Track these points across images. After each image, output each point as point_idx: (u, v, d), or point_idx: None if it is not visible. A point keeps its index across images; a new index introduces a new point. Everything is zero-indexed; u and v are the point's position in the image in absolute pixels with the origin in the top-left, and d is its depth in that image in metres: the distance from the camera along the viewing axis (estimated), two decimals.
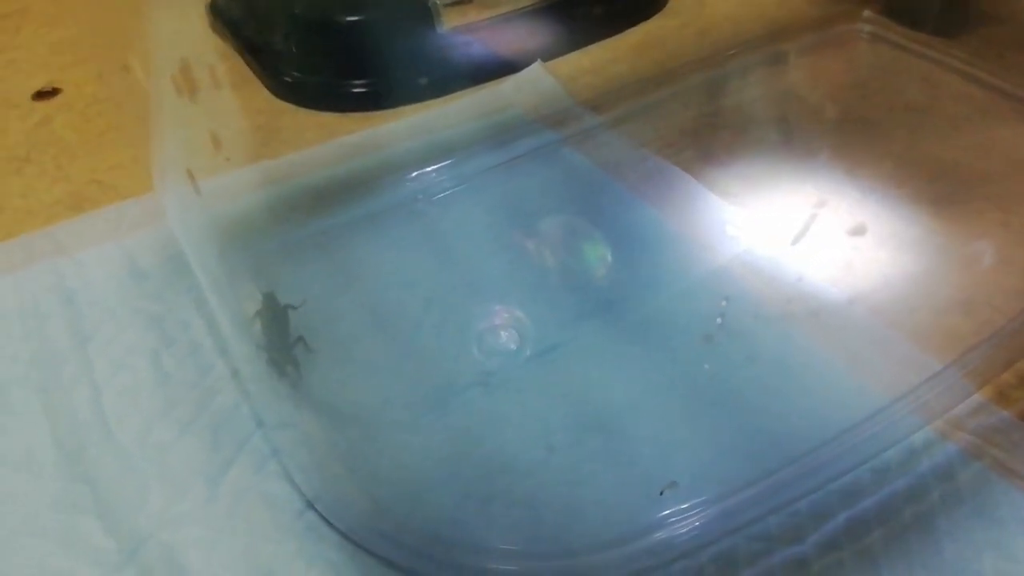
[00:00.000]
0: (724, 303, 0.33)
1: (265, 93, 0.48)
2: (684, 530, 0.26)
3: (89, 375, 0.32)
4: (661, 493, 0.27)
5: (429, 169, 0.41)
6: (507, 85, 0.48)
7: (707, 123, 0.45)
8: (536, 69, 0.49)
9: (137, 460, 0.29)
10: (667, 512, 0.27)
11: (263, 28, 0.50)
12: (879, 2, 0.53)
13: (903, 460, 0.28)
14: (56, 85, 0.52)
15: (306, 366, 0.31)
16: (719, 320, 0.33)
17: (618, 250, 0.37)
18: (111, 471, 0.29)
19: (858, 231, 0.37)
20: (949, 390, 0.30)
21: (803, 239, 0.37)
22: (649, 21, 0.55)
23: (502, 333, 0.33)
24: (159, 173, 0.36)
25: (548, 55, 0.50)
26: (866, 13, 0.51)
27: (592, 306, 0.34)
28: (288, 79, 0.48)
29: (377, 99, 0.47)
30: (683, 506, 0.27)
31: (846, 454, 0.28)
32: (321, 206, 0.39)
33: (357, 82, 0.48)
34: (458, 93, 0.48)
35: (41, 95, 0.51)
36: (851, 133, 0.44)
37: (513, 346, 0.32)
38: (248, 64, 0.50)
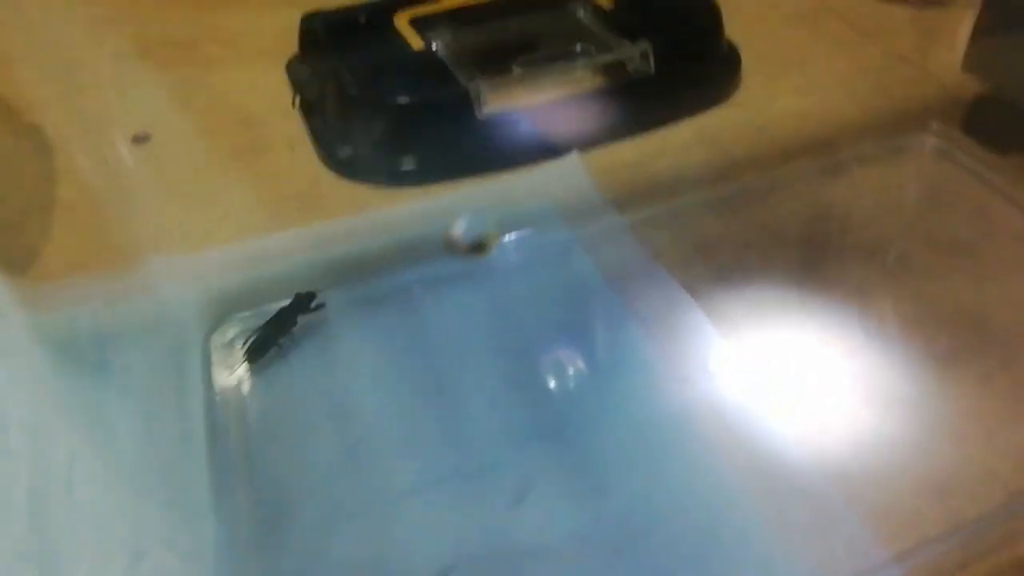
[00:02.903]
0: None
1: (314, 158, 0.50)
2: None
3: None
4: None
5: (436, 258, 0.42)
6: (540, 173, 0.48)
7: (731, 238, 0.44)
8: (572, 160, 0.49)
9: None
10: None
11: (322, 100, 0.52)
12: (959, 112, 0.50)
13: None
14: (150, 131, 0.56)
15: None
16: (668, 470, 0.32)
17: (593, 371, 0.37)
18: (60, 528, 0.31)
19: (848, 383, 0.35)
20: None
21: (783, 389, 0.35)
22: (710, 112, 0.54)
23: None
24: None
25: (593, 143, 0.50)
26: (934, 125, 0.48)
27: (545, 428, 0.34)
28: (338, 153, 0.50)
29: (416, 177, 0.49)
30: None
31: None
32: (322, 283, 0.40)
33: (405, 157, 0.49)
34: (493, 176, 0.48)
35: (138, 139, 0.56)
36: (878, 266, 0.41)
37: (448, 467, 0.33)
38: (307, 127, 0.52)
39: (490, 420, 0.34)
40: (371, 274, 0.42)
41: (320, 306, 0.39)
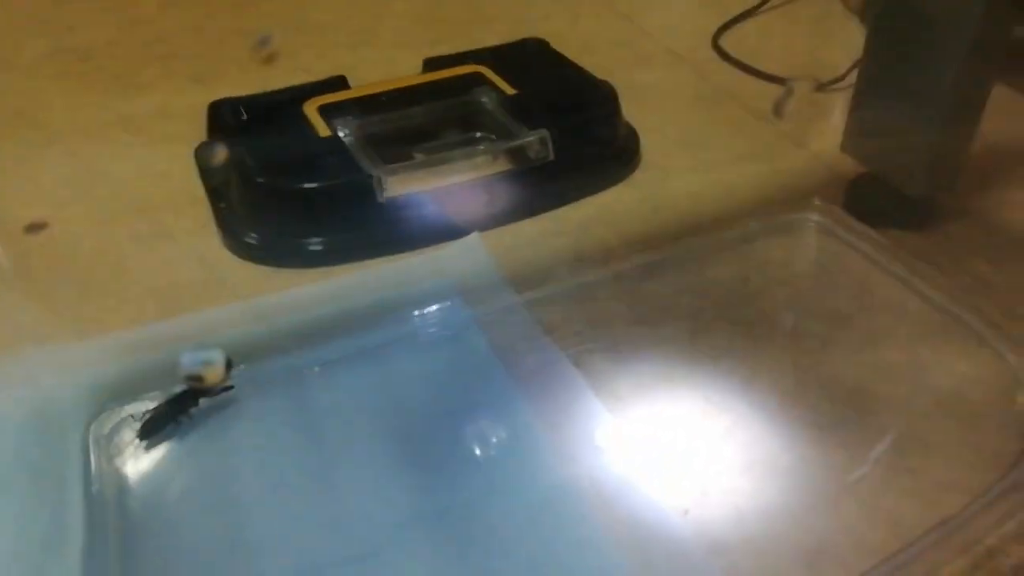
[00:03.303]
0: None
1: (217, 243, 0.51)
2: None
3: None
4: None
5: (333, 340, 0.42)
6: (443, 253, 0.49)
7: (623, 314, 0.45)
8: (473, 239, 0.50)
9: None
10: None
11: (227, 185, 0.53)
12: (840, 190, 0.52)
13: None
14: (47, 220, 0.55)
15: None
16: (552, 551, 0.32)
17: (482, 452, 0.37)
18: None
19: (729, 454, 0.36)
20: None
21: (667, 462, 0.36)
22: (608, 192, 0.56)
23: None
24: None
25: (493, 224, 0.51)
26: (816, 201, 0.50)
27: (430, 511, 0.34)
28: (241, 235, 0.50)
29: (319, 259, 0.49)
30: None
31: None
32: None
33: (308, 241, 0.50)
34: (396, 256, 0.49)
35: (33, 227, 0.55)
36: (763, 338, 0.43)
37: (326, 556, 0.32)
38: (213, 212, 0.53)
39: (375, 504, 0.34)
40: (266, 357, 0.42)
41: (228, 388, 0.39)
